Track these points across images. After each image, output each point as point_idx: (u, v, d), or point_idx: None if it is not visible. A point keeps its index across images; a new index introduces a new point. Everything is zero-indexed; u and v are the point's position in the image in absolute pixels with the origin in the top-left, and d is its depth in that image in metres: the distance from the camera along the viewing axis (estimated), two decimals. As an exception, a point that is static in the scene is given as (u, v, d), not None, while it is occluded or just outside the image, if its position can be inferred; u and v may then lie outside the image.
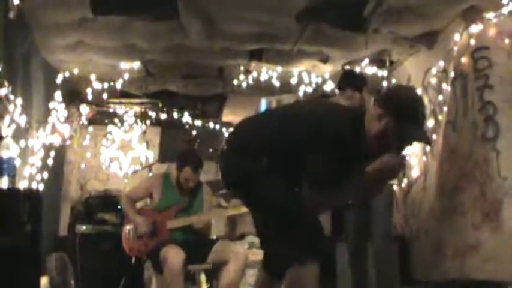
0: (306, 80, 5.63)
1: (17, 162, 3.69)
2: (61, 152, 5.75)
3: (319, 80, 5.65)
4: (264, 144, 2.59)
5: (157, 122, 6.95)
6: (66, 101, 5.52)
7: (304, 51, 5.10)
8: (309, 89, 5.69)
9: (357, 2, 4.07)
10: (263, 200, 2.58)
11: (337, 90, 4.18)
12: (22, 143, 3.98)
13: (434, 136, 4.48)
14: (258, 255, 4.71)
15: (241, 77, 5.63)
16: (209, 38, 4.70)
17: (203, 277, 4.45)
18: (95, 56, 5.20)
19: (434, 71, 4.65)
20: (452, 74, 4.24)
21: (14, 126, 3.80)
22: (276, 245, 2.63)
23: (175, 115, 6.67)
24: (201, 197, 4.49)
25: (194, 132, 6.96)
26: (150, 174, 6.01)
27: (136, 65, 5.39)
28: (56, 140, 5.10)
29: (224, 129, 6.95)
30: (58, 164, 5.64)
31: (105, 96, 5.74)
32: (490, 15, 3.85)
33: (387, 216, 4.01)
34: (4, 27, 3.72)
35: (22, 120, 3.97)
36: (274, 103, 6.51)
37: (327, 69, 5.54)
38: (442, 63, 4.49)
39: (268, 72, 5.55)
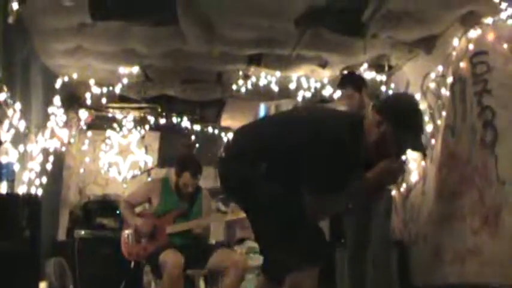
0: (305, 85, 5.62)
1: (16, 167, 3.70)
2: (60, 156, 5.74)
3: (318, 85, 5.64)
4: (263, 150, 2.60)
5: (156, 127, 6.94)
6: (65, 106, 5.52)
7: (303, 56, 5.10)
8: (308, 94, 5.69)
9: (355, 7, 4.08)
10: (262, 206, 2.57)
11: (337, 92, 4.23)
12: (21, 148, 3.99)
13: (433, 141, 4.48)
14: (256, 260, 4.72)
15: (240, 82, 5.62)
16: (208, 43, 4.71)
17: (202, 282, 4.44)
18: (94, 61, 5.20)
19: (433, 75, 4.64)
20: (450, 79, 4.24)
21: (13, 131, 3.81)
22: (275, 251, 2.62)
23: (174, 120, 6.67)
24: (200, 202, 4.49)
25: (193, 137, 6.96)
26: (149, 179, 6.01)
27: (135, 69, 5.39)
28: (55, 145, 5.10)
29: (223, 134, 6.96)
30: (57, 169, 5.63)
31: (104, 101, 5.76)
32: (488, 20, 3.85)
33: (386, 221, 4.02)
34: (3, 32, 3.73)
35: (21, 125, 3.97)
36: (273, 108, 6.53)
37: (326, 74, 5.54)
38: (440, 68, 4.49)
39: (267, 77, 5.54)
